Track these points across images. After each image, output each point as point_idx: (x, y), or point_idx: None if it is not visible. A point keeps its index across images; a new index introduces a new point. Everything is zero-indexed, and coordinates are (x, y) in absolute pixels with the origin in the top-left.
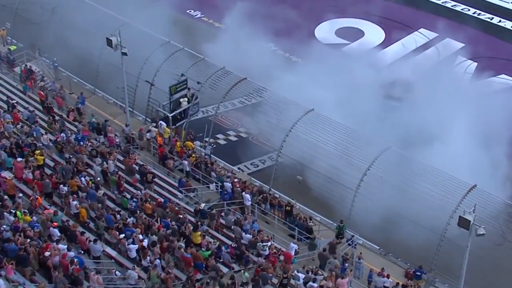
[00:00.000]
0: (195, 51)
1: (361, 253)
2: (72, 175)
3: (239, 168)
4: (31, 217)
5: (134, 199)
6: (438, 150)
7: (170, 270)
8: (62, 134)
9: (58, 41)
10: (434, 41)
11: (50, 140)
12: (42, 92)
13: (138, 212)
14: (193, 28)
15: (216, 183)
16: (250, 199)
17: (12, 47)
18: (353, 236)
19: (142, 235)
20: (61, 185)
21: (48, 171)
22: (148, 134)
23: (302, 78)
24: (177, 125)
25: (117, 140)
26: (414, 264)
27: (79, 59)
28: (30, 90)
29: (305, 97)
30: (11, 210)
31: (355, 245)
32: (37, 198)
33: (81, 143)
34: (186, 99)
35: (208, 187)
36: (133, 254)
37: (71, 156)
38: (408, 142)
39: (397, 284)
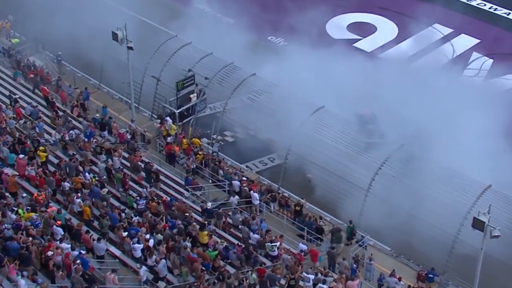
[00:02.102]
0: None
1: (371, 254)
2: (76, 173)
3: (247, 166)
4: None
5: (142, 199)
6: (450, 150)
7: (203, 267)
8: (72, 131)
9: (61, 35)
10: (449, 36)
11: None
12: (45, 88)
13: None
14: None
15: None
16: (258, 198)
17: (14, 40)
18: (363, 237)
19: (150, 235)
20: (63, 182)
21: (51, 168)
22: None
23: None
24: (184, 121)
25: (128, 137)
26: (427, 266)
27: (83, 53)
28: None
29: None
30: (13, 208)
31: (366, 246)
32: (41, 194)
33: (86, 139)
34: (195, 94)
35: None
36: (138, 254)
37: (74, 153)
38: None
39: (409, 286)
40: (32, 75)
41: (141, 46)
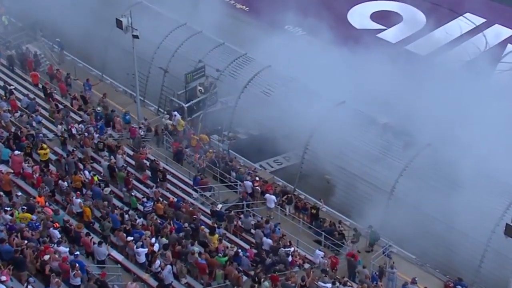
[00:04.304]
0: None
1: (393, 262)
2: (75, 170)
3: (260, 166)
4: (31, 215)
5: (150, 201)
6: (481, 150)
7: (240, 268)
8: (81, 125)
9: (62, 21)
10: (481, 27)
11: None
12: (37, 74)
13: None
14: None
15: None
16: (275, 201)
17: (4, 19)
18: (390, 245)
19: (155, 239)
20: (60, 181)
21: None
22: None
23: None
24: (193, 116)
25: (141, 133)
26: (454, 277)
27: (85, 41)
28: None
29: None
30: (6, 208)
31: (389, 255)
32: (39, 195)
33: (87, 134)
34: (201, 88)
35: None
36: (142, 259)
37: (74, 149)
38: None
39: None
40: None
41: (148, 35)
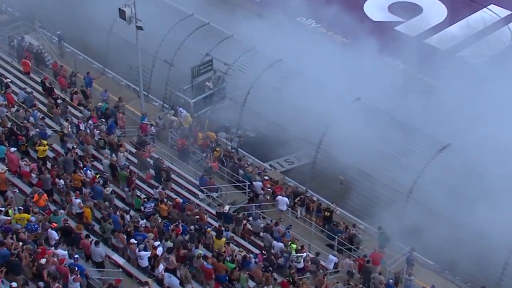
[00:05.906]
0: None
1: (411, 269)
2: (75, 169)
3: (270, 166)
4: (29, 216)
5: (150, 202)
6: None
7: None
8: (90, 122)
9: (62, 11)
10: (506, 19)
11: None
12: (28, 62)
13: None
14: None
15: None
16: (288, 203)
17: None
18: (412, 249)
19: (160, 242)
20: (57, 179)
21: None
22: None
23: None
24: (199, 113)
25: (153, 130)
26: (476, 285)
27: (86, 32)
28: None
29: None
30: (1, 209)
31: (411, 261)
32: (39, 195)
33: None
34: (209, 84)
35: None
36: (145, 263)
37: (74, 146)
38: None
39: None
40: None
41: (152, 26)
